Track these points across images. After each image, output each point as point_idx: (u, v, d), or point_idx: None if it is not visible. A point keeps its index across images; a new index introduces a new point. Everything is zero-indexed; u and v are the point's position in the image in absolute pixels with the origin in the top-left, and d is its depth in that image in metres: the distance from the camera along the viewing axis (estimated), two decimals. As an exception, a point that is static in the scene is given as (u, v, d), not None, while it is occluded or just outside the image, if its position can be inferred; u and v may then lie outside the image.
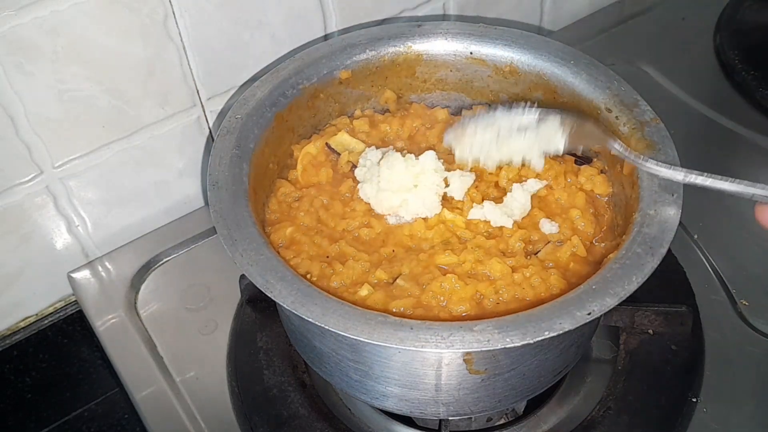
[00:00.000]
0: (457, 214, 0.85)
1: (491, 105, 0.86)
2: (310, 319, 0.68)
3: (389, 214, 0.86)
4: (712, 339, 0.94)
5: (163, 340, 1.00)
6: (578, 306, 0.68)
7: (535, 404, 0.92)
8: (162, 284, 1.06)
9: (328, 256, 0.82)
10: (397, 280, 0.79)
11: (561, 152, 0.85)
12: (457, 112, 0.99)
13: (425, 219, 0.85)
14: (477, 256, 0.80)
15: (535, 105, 0.85)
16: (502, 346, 0.66)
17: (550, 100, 0.93)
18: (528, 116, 0.84)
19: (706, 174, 0.73)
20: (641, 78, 1.24)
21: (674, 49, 1.31)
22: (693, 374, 0.91)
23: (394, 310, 0.76)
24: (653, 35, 1.35)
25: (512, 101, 0.94)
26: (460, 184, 0.86)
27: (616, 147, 0.81)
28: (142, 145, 1.04)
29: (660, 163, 0.77)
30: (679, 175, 0.75)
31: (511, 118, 0.84)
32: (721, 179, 0.72)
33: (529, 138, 0.84)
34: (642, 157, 0.79)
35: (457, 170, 0.87)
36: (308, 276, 0.79)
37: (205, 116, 1.08)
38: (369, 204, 0.87)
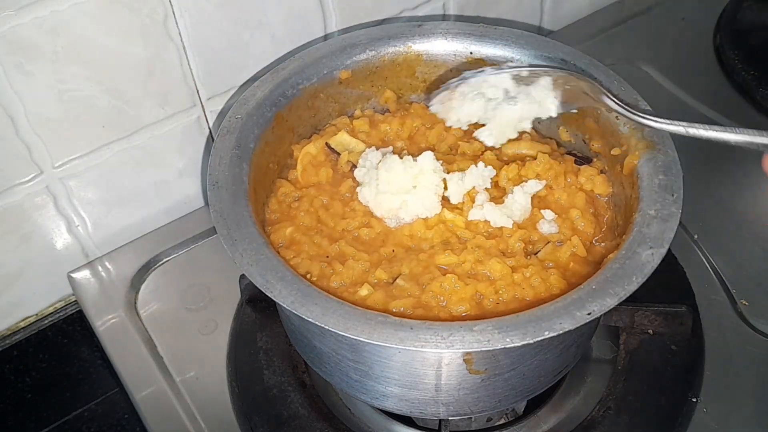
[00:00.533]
0: (457, 214, 0.85)
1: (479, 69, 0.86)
2: (310, 319, 0.68)
3: (389, 218, 0.86)
4: (712, 339, 0.94)
5: (163, 340, 1.00)
6: (578, 306, 0.68)
7: (535, 404, 0.92)
8: (162, 284, 1.06)
9: (328, 256, 0.82)
10: (397, 280, 0.79)
11: (554, 115, 0.83)
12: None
13: (425, 219, 0.85)
14: (477, 257, 0.80)
15: (525, 64, 0.82)
16: (502, 346, 0.66)
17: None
18: (517, 73, 0.81)
19: (707, 126, 0.70)
20: (641, 78, 1.24)
21: (674, 49, 1.31)
22: (693, 374, 0.91)
23: (394, 310, 0.76)
24: (653, 35, 1.35)
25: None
26: (457, 188, 0.86)
27: (609, 103, 0.79)
28: (142, 145, 1.04)
29: (659, 119, 0.75)
30: (681, 128, 0.73)
31: (497, 80, 0.81)
32: (724, 130, 0.69)
33: (520, 104, 0.82)
34: (638, 112, 0.77)
35: (456, 172, 0.87)
36: (308, 276, 0.79)
37: (205, 116, 1.08)
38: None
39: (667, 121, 0.74)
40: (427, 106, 0.91)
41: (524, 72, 0.82)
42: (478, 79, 0.83)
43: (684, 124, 0.72)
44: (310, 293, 0.71)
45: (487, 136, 0.86)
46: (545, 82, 0.82)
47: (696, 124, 0.71)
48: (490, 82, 0.84)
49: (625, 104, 0.79)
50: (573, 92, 0.82)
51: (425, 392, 0.78)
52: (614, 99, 0.80)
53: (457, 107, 0.85)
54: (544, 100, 0.83)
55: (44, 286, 1.08)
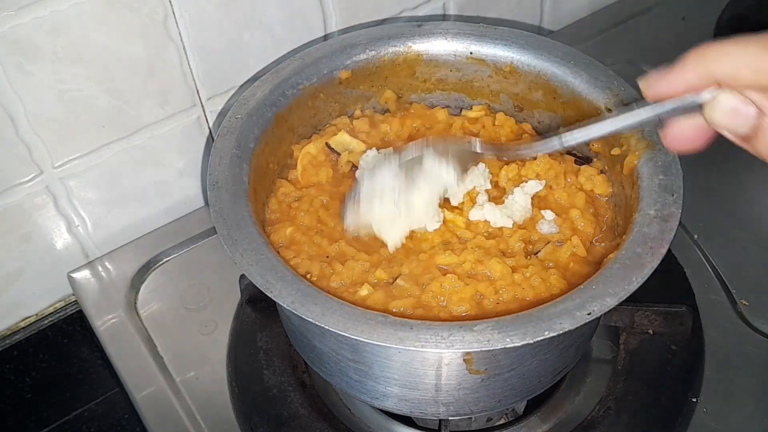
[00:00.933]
0: (457, 215, 0.85)
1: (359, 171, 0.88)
2: (310, 319, 0.68)
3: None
4: (712, 339, 0.94)
5: (163, 340, 1.00)
6: (578, 306, 0.68)
7: (535, 404, 0.92)
8: (162, 284, 1.06)
9: (328, 256, 0.82)
10: (397, 280, 0.79)
11: (456, 184, 0.83)
12: (456, 113, 0.99)
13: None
14: (477, 256, 0.80)
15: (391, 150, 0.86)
16: (502, 346, 0.66)
17: (550, 101, 0.93)
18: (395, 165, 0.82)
19: (580, 129, 0.72)
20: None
21: (674, 49, 1.31)
22: (693, 374, 0.91)
23: (394, 310, 0.76)
24: (653, 35, 1.35)
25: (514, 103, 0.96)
26: (457, 188, 0.86)
27: (480, 147, 0.82)
28: (142, 145, 1.04)
29: (537, 143, 0.78)
30: (556, 142, 0.75)
31: (383, 179, 0.82)
32: (598, 122, 0.71)
33: (427, 185, 0.82)
34: (508, 149, 0.81)
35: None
36: (308, 276, 0.79)
37: (205, 116, 1.08)
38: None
39: (540, 143, 0.77)
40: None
41: (393, 159, 0.83)
42: (367, 186, 0.83)
43: (556, 138, 0.75)
44: (310, 293, 0.71)
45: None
46: (429, 158, 0.82)
47: (569, 133, 0.73)
48: (378, 183, 0.82)
49: (492, 145, 0.83)
50: (457, 156, 0.82)
51: (425, 392, 0.78)
52: (480, 141, 0.83)
53: (371, 215, 0.83)
54: (440, 174, 0.82)
55: (44, 286, 1.08)
